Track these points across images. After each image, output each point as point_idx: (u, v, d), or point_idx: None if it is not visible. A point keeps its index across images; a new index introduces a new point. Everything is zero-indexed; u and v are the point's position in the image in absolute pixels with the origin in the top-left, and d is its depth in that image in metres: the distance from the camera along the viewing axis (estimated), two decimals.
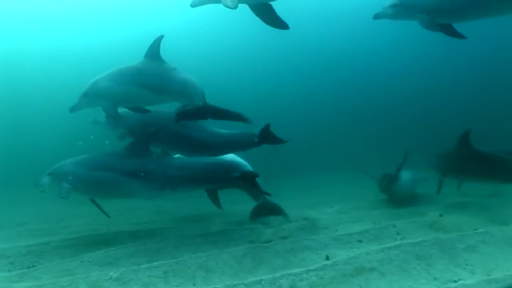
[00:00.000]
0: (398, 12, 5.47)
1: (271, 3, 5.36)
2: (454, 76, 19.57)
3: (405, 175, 7.66)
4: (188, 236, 5.25)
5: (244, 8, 5.25)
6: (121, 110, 5.86)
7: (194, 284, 3.84)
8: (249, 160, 6.24)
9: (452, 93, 18.49)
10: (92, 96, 5.74)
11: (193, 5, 5.51)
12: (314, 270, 3.77)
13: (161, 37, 5.82)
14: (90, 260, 4.50)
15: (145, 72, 5.75)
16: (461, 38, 5.37)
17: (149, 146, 5.53)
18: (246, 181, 5.83)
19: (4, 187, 9.76)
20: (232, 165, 5.93)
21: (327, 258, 4.35)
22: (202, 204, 8.29)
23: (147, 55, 5.83)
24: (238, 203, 7.54)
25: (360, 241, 5.05)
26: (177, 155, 5.97)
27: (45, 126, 15.21)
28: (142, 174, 5.26)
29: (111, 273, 3.95)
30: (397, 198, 7.63)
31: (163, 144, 5.92)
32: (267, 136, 5.75)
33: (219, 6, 5.11)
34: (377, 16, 5.64)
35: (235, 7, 4.75)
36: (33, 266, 4.56)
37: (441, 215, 5.72)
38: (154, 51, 5.82)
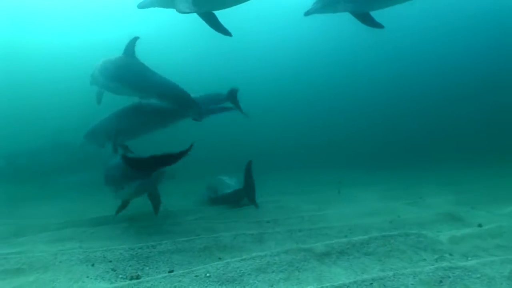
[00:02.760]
0: (325, 4, 5.62)
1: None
2: None
3: None
4: (332, 244, 3.72)
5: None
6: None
7: None
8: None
9: None
10: (92, 80, 6.66)
11: (140, 7, 5.74)
12: None
13: (136, 38, 6.30)
14: (207, 274, 3.22)
15: (123, 69, 6.30)
16: (379, 27, 5.60)
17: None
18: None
19: None
20: None
21: None
22: (323, 198, 6.89)
23: (124, 53, 6.31)
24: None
25: None
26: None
27: None
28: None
29: None
30: None
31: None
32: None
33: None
34: (307, 13, 5.80)
35: (191, 11, 5.02)
36: (137, 278, 3.43)
37: None
38: (129, 50, 6.29)
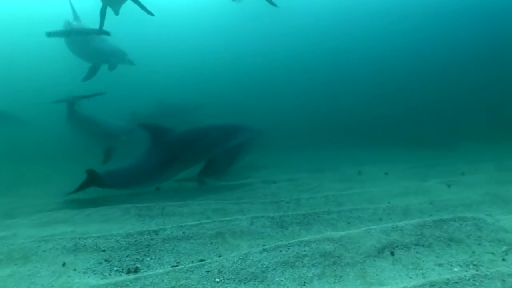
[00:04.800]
0: None
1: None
2: None
3: None
4: (370, 231, 2.99)
5: None
6: None
7: None
8: None
9: None
10: None
11: None
12: None
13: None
14: (221, 269, 2.51)
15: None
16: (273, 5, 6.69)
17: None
18: None
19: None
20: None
21: None
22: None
23: None
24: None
25: None
26: None
27: None
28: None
29: None
30: None
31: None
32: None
33: None
34: None
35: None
36: (134, 272, 2.74)
37: None
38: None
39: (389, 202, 4.27)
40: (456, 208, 3.96)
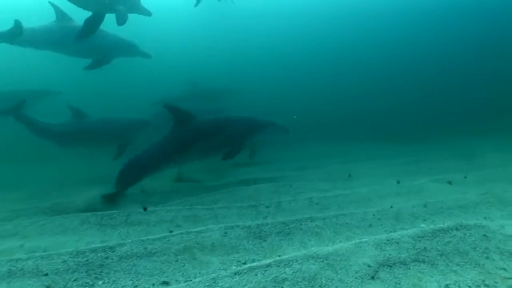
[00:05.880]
0: None
1: None
2: None
3: None
4: (362, 244, 2.53)
5: None
6: None
7: None
8: None
9: None
10: None
11: None
12: None
13: None
14: None
15: None
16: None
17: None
18: None
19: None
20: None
21: None
22: None
23: None
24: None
25: None
26: None
27: None
28: None
29: None
30: None
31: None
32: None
33: None
34: None
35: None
36: None
37: None
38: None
39: (380, 206, 3.84)
40: (452, 211, 3.55)
